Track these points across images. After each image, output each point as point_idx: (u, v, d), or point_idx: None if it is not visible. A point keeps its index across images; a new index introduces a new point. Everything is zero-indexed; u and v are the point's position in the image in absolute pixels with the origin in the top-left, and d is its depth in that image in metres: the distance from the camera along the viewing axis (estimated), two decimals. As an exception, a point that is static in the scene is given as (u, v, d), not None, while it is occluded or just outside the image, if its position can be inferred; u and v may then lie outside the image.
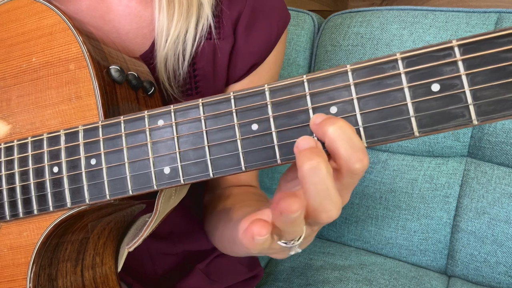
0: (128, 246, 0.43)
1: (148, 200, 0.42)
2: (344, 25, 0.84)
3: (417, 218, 0.79)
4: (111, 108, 0.39)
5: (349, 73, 0.28)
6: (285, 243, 0.29)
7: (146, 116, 0.33)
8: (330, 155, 0.28)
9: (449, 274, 0.80)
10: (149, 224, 0.40)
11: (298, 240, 0.29)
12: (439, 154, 0.79)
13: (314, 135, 0.28)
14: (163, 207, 0.40)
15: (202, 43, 0.50)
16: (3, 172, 0.39)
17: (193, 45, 0.49)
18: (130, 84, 0.42)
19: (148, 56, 0.50)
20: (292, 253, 0.30)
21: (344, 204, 0.30)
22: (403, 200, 0.80)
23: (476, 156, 0.78)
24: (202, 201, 0.62)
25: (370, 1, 1.11)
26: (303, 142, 0.27)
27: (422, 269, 0.80)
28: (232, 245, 0.48)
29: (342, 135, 0.26)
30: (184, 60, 0.49)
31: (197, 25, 0.49)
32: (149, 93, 0.44)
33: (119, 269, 0.44)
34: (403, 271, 0.77)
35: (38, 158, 0.37)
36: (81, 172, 0.35)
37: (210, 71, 0.53)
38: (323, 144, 0.28)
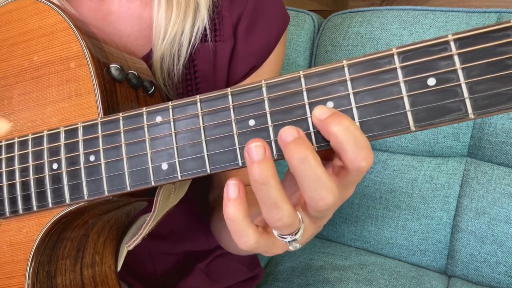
0: (128, 245, 0.43)
1: (148, 198, 0.42)
2: (344, 25, 0.85)
3: (417, 218, 0.79)
4: (110, 106, 0.39)
5: (345, 69, 0.28)
6: (284, 238, 0.29)
7: (144, 112, 0.33)
8: (334, 152, 0.28)
9: (449, 274, 0.79)
10: (148, 222, 0.41)
11: (296, 235, 0.29)
12: (439, 154, 0.79)
13: (315, 129, 0.28)
14: (162, 205, 0.40)
15: (197, 45, 0.50)
16: (4, 169, 0.39)
17: (188, 46, 0.50)
18: (130, 83, 0.42)
19: (149, 58, 0.51)
20: (292, 249, 0.30)
21: (348, 197, 0.31)
22: (403, 200, 0.80)
23: (476, 156, 0.78)
24: (208, 200, 0.63)
25: (370, 1, 1.11)
26: (285, 134, 0.26)
27: (422, 269, 0.80)
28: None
29: (348, 136, 0.26)
30: (179, 61, 0.50)
31: (192, 27, 0.49)
32: (149, 93, 0.45)
33: (118, 268, 0.44)
34: (403, 271, 0.77)
35: (38, 155, 0.37)
36: (80, 168, 0.35)
37: (210, 73, 0.53)
38: (323, 139, 0.28)
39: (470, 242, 0.75)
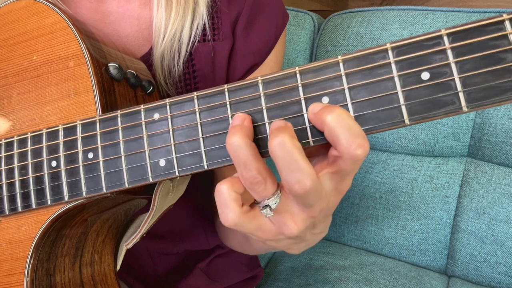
0: (126, 243, 0.43)
1: (146, 196, 0.42)
2: (344, 25, 0.85)
3: (417, 218, 0.79)
4: (109, 105, 0.39)
5: (341, 64, 0.28)
6: (258, 203, 0.29)
7: (142, 109, 0.34)
8: (330, 144, 0.28)
9: (449, 274, 0.79)
10: (147, 220, 0.41)
11: (269, 200, 0.29)
12: (439, 154, 0.79)
13: (310, 124, 0.29)
14: (160, 203, 0.40)
15: (196, 42, 0.51)
16: (3, 167, 0.39)
17: (188, 43, 0.50)
18: (129, 82, 0.43)
19: (148, 58, 0.51)
20: (263, 212, 0.30)
21: (347, 190, 0.31)
22: (403, 200, 0.80)
23: (476, 156, 0.78)
24: (211, 201, 0.63)
25: (370, 1, 1.11)
26: (273, 125, 0.28)
27: (422, 269, 0.79)
28: (248, 243, 0.48)
29: (341, 123, 0.26)
30: (179, 58, 0.50)
31: (192, 24, 0.50)
32: (147, 92, 0.45)
33: (118, 267, 0.44)
34: (403, 271, 0.77)
35: (37, 153, 0.38)
36: (79, 166, 0.35)
37: (209, 72, 0.54)
38: (319, 132, 0.28)
39: (470, 242, 0.75)
